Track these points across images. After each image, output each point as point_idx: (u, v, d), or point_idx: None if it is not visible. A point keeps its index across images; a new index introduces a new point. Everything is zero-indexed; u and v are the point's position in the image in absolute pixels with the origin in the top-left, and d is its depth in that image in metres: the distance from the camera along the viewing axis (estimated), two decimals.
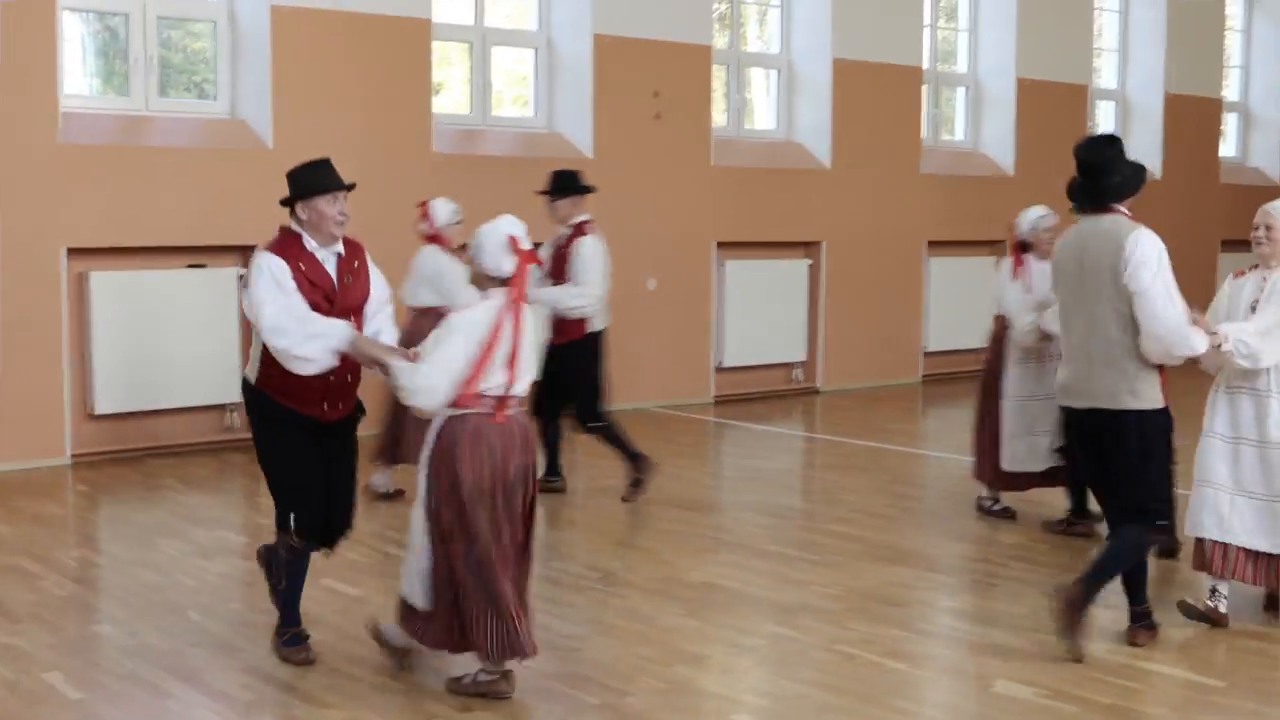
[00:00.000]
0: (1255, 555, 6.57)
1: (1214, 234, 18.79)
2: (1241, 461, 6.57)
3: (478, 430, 5.47)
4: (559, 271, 9.19)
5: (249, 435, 6.26)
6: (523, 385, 5.59)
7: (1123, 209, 6.26)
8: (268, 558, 6.20)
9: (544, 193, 9.31)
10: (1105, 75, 18.42)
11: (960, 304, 15.49)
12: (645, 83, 13.22)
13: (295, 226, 5.91)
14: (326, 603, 6.87)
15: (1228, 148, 20.12)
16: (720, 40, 14.34)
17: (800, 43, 14.80)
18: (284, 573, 6.12)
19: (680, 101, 13.51)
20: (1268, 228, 6.52)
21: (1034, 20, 16.46)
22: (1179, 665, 6.05)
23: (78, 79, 11.09)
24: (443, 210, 9.14)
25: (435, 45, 12.23)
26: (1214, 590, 6.64)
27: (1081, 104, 17.23)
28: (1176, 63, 18.24)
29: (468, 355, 5.41)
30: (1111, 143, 6.28)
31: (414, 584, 5.62)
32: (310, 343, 5.67)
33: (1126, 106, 18.45)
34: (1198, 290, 7.31)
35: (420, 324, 8.52)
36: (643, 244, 13.10)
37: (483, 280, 5.55)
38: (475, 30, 12.77)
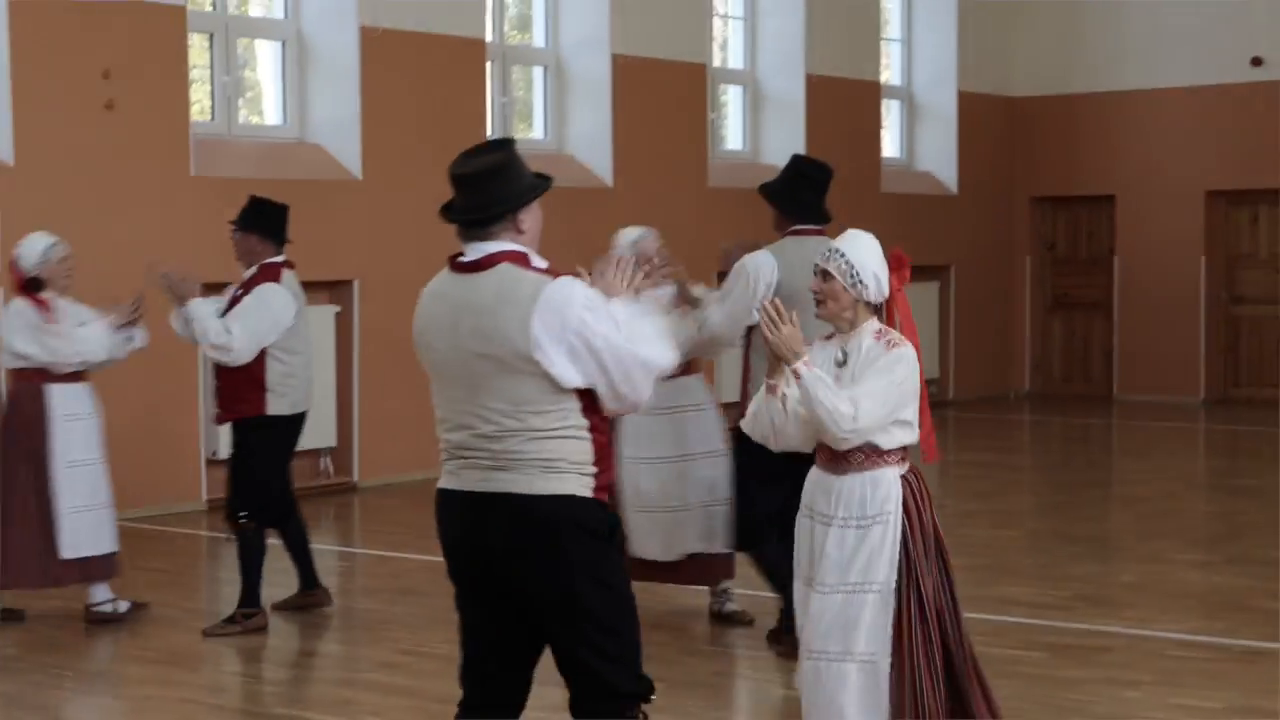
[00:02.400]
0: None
1: None
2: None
3: (925, 488, 5.19)
4: None
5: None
6: None
7: None
8: None
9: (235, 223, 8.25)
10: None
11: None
12: (96, 62, 11.05)
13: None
14: None
15: (892, 145, 18.26)
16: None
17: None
18: None
19: (139, 82, 11.33)
20: None
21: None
22: None
23: None
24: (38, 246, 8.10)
25: None
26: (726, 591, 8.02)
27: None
28: (816, 44, 16.51)
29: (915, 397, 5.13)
30: None
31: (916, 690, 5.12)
32: None
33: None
34: None
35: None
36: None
37: (857, 313, 5.10)
38: None
